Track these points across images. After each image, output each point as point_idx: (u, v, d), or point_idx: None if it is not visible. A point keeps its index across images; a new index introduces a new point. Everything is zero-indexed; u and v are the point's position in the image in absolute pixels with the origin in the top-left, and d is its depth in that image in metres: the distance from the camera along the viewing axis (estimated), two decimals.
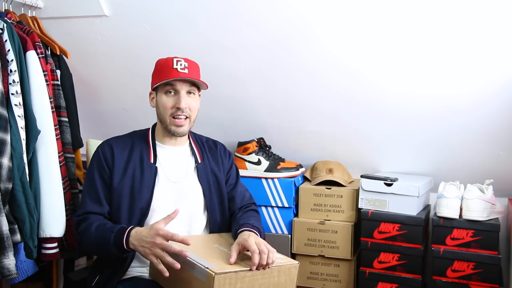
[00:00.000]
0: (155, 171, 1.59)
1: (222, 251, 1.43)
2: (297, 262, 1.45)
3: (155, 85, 1.60)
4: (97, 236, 1.47)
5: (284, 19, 1.91)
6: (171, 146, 1.66)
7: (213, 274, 1.25)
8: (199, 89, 1.64)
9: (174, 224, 1.58)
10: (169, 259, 1.31)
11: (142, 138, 1.66)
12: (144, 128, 1.71)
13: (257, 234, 1.47)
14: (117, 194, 1.56)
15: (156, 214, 1.56)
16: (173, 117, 1.58)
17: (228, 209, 1.70)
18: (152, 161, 1.61)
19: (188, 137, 1.71)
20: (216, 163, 1.71)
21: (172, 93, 1.58)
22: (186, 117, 1.59)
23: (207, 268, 1.28)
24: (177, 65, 1.56)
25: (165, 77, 1.56)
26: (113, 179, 1.57)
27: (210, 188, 1.65)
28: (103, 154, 1.60)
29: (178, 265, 1.30)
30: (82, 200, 1.60)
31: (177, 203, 1.58)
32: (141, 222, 1.54)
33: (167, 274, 1.31)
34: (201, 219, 1.64)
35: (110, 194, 1.57)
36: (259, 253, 1.33)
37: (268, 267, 1.34)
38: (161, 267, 1.32)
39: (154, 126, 1.70)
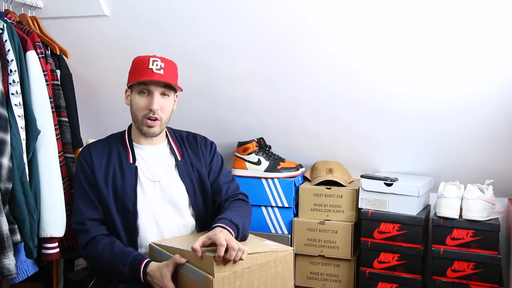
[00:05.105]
0: (135, 170, 1.59)
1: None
2: (292, 248, 1.45)
3: (130, 84, 1.59)
4: (109, 263, 1.48)
5: (284, 19, 1.91)
6: (148, 145, 1.64)
7: (211, 277, 1.27)
8: (175, 90, 1.62)
9: (162, 224, 1.59)
10: None
11: (119, 140, 1.65)
12: (121, 130, 1.70)
13: (232, 232, 1.40)
14: (104, 199, 1.56)
15: (144, 213, 1.56)
16: (145, 118, 1.57)
17: (215, 202, 1.68)
18: (131, 161, 1.60)
19: (166, 135, 1.70)
20: (197, 158, 1.69)
21: (146, 93, 1.57)
22: (156, 119, 1.57)
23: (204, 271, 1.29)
24: (152, 65, 1.55)
25: (139, 77, 1.54)
26: (98, 186, 1.57)
27: (193, 185, 1.65)
28: (85, 161, 1.60)
29: None
30: (75, 206, 1.59)
31: (162, 202, 1.60)
32: (134, 224, 1.55)
33: None
34: (188, 216, 1.63)
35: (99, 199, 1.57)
36: (228, 248, 1.29)
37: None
38: None
39: (130, 127, 1.69)
